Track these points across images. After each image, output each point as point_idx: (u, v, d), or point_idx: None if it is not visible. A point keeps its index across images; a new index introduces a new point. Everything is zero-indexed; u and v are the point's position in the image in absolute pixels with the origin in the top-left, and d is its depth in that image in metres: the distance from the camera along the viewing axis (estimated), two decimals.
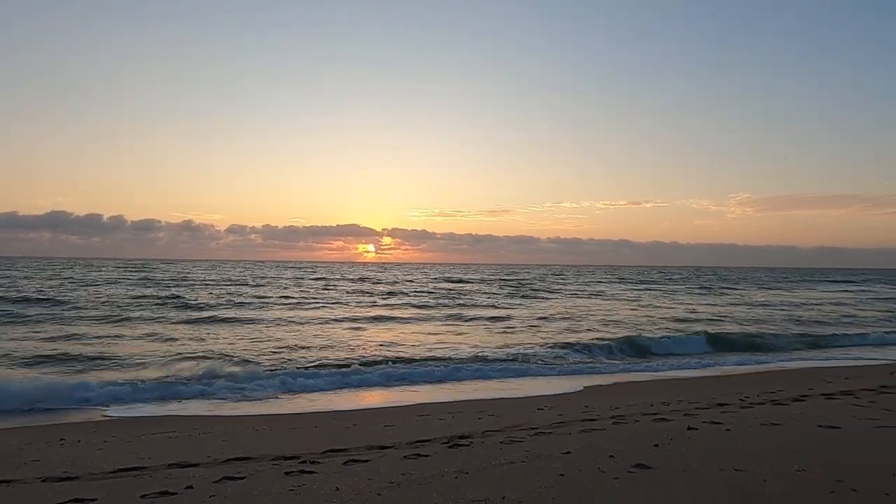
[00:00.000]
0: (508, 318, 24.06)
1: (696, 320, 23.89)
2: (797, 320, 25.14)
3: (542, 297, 37.72)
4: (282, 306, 27.26)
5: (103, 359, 12.86)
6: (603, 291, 44.66)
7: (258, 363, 12.47)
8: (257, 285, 43.20)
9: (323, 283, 49.91)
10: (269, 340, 16.23)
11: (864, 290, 52.38)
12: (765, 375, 12.15)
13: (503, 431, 6.28)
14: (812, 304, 35.81)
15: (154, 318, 20.91)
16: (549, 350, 15.32)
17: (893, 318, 27.37)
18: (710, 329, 19.96)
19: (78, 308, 23.32)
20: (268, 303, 28.65)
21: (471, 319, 23.38)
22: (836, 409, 7.14)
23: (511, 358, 13.88)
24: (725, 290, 49.21)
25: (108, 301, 26.52)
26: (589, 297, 38.29)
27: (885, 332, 20.48)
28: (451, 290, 43.90)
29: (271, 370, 11.62)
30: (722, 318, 25.14)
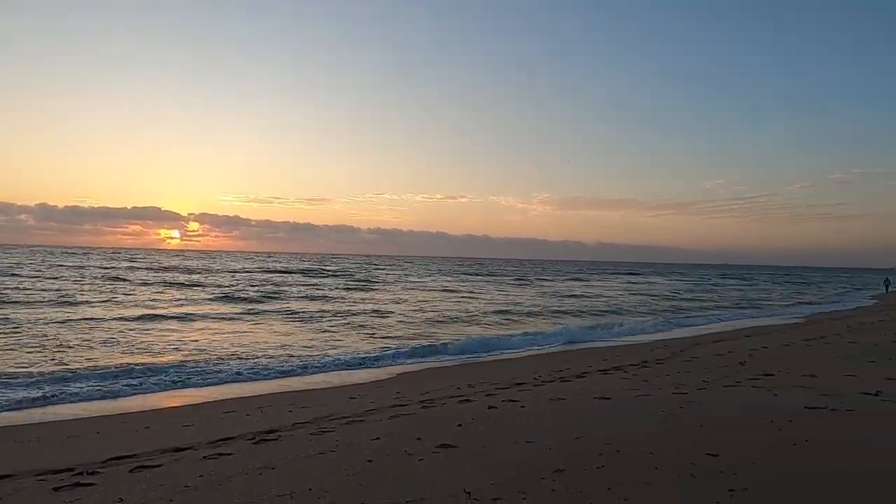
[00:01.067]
0: (325, 311, 23.68)
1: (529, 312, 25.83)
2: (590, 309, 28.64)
3: (374, 288, 37.84)
4: (48, 302, 22.87)
5: None
6: (425, 283, 46.25)
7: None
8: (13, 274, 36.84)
9: (106, 272, 43.89)
10: (33, 342, 13.92)
11: (650, 283, 61.45)
12: (558, 356, 13.58)
13: (314, 423, 6.18)
14: (607, 294, 41.05)
15: None
16: (368, 342, 15.40)
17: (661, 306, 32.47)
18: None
19: None
20: (29, 299, 24.17)
21: (279, 313, 22.52)
22: (609, 383, 8.26)
23: (323, 353, 13.68)
24: (536, 281, 54.35)
25: None
26: (427, 290, 39.33)
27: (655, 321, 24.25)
28: (265, 280, 41.91)
29: (31, 376, 9.85)
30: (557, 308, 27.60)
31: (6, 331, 14.78)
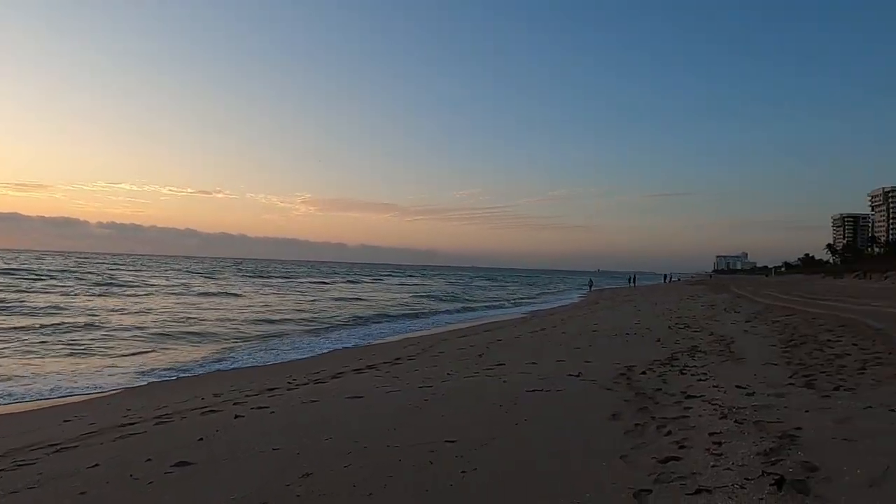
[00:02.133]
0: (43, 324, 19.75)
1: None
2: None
3: (113, 293, 32.51)
4: None
5: None
6: (170, 286, 41.56)
7: None
8: None
9: None
10: None
11: (422, 284, 64.17)
12: (319, 359, 13.42)
13: (7, 456, 5.07)
14: (378, 296, 41.75)
15: None
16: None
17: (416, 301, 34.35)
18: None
19: None
20: None
21: None
22: (363, 382, 8.44)
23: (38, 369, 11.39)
24: (301, 283, 52.77)
25: None
26: (174, 294, 34.98)
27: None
28: None
29: None
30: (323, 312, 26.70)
31: None
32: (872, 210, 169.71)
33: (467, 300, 40.58)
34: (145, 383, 10.45)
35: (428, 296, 43.13)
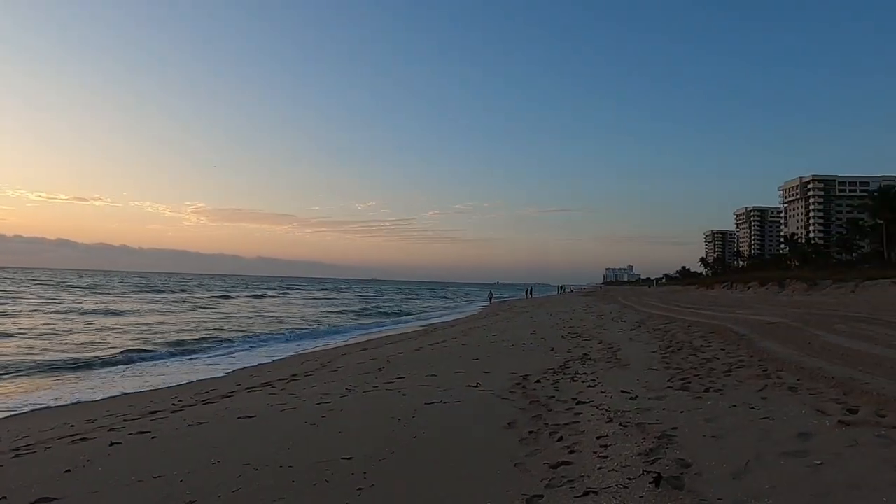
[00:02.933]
0: None
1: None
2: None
3: None
4: None
5: None
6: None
7: None
8: None
9: None
10: None
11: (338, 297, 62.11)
12: (212, 380, 12.63)
13: None
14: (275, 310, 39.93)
15: None
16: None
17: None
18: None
19: None
20: None
21: None
22: (256, 400, 8.07)
23: None
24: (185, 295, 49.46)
25: None
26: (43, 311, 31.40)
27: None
28: None
29: None
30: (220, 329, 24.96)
31: None
32: (737, 227, 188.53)
33: (381, 313, 40.21)
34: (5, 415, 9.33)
35: (345, 311, 41.92)
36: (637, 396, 6.39)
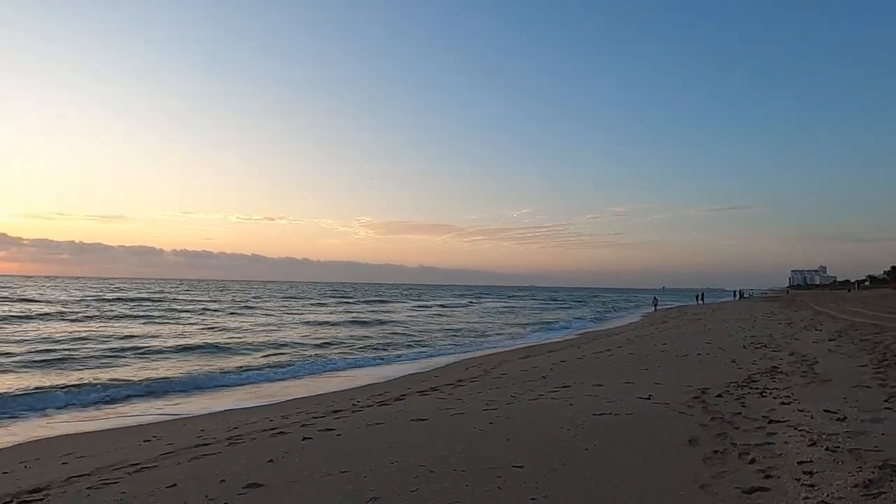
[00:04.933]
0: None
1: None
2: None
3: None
4: None
5: None
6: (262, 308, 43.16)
7: None
8: None
9: None
10: None
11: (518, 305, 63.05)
12: (384, 381, 13.54)
13: (94, 474, 5.32)
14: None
15: None
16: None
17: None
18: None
19: None
20: None
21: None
22: (426, 404, 8.41)
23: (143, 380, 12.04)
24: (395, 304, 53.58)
25: None
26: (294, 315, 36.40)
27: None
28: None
29: None
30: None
31: None
32: None
33: (524, 319, 39.98)
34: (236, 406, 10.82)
35: (539, 322, 40.38)
36: (846, 418, 5.55)
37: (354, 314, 41.02)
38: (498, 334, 28.33)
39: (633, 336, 21.62)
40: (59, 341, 19.82)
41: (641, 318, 41.91)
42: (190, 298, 57.06)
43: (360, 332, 27.86)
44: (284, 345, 21.16)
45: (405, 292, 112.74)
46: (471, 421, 6.59)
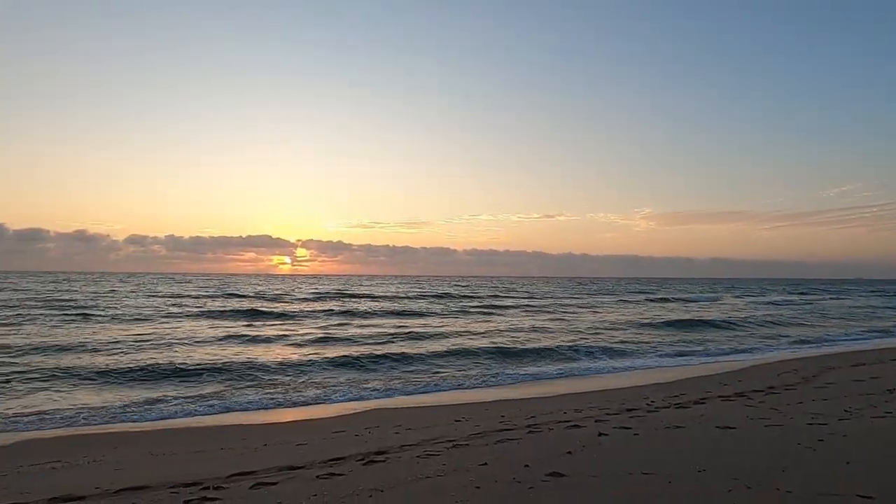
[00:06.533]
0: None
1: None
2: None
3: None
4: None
5: None
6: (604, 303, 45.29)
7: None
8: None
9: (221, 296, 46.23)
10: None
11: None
12: (673, 381, 12.76)
13: (420, 445, 6.18)
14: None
15: None
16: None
17: None
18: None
19: None
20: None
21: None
22: (732, 410, 7.60)
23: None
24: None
25: None
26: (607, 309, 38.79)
27: None
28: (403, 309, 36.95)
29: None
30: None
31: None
32: None
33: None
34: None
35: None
36: None
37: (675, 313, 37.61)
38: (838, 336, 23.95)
39: None
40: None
41: None
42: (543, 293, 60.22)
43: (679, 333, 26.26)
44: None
45: (731, 287, 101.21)
46: (792, 435, 5.72)
